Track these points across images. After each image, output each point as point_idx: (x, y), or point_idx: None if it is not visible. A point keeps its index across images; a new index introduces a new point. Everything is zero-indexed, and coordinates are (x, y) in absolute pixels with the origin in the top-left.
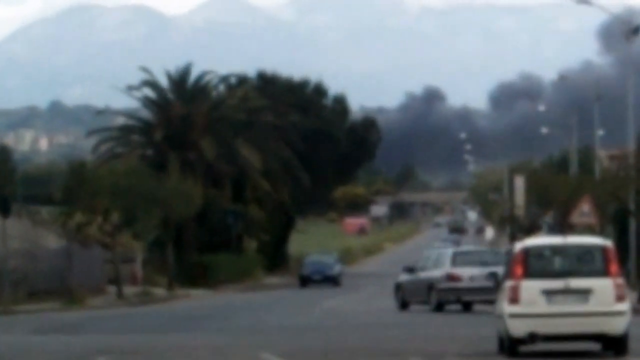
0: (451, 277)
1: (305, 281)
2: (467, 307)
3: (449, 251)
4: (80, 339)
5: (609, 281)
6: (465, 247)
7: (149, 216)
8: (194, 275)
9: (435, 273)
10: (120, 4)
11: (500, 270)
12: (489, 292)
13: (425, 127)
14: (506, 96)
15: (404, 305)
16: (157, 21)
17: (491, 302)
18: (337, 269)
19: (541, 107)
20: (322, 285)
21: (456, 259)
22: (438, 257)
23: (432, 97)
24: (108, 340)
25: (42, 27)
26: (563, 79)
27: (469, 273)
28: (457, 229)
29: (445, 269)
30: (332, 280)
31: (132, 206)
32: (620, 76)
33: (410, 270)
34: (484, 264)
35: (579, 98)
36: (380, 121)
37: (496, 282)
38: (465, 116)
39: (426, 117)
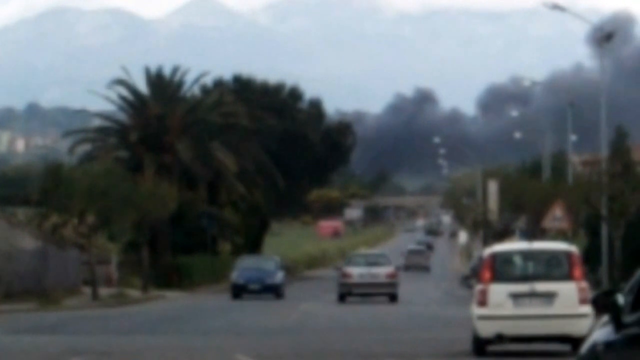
0: (344, 275)
1: (238, 291)
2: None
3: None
4: (55, 339)
5: (573, 285)
6: (360, 251)
7: (124, 218)
8: (169, 276)
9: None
10: (98, 7)
11: (387, 269)
12: (374, 287)
13: (404, 131)
14: (495, 100)
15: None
16: (135, 25)
17: (375, 294)
18: (279, 276)
19: (514, 112)
20: (261, 296)
21: (350, 260)
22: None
23: (417, 101)
24: (83, 341)
25: (20, 30)
26: (535, 85)
27: (358, 271)
28: (433, 232)
29: (342, 268)
30: (273, 290)
31: (108, 208)
32: (609, 81)
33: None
34: (371, 264)
35: (566, 101)
36: (359, 125)
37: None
38: (442, 122)
39: (407, 121)
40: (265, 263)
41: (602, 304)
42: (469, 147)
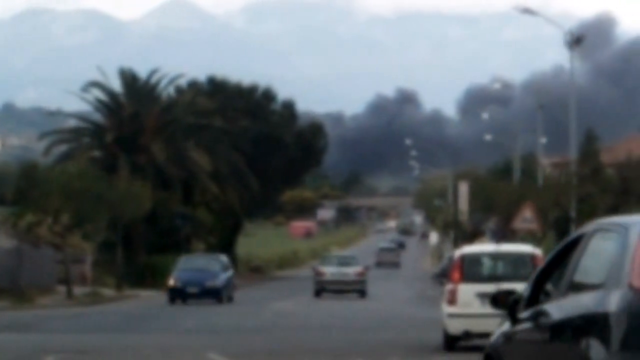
0: (319, 273)
1: (175, 295)
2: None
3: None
4: (29, 337)
5: None
6: (333, 253)
7: (99, 217)
8: (143, 276)
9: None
10: (73, 9)
11: (356, 269)
12: (345, 284)
13: (384, 132)
14: (474, 102)
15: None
16: (110, 26)
17: (346, 291)
18: (222, 278)
19: (485, 115)
20: (201, 301)
21: (324, 261)
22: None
23: (397, 102)
24: (57, 340)
25: None
26: (507, 87)
27: (331, 270)
28: (406, 231)
29: (317, 267)
30: (213, 294)
31: (82, 207)
32: (591, 84)
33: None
34: (342, 264)
35: (549, 103)
36: (339, 126)
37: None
38: (421, 123)
39: (387, 123)
40: (209, 263)
41: (501, 301)
42: (448, 148)
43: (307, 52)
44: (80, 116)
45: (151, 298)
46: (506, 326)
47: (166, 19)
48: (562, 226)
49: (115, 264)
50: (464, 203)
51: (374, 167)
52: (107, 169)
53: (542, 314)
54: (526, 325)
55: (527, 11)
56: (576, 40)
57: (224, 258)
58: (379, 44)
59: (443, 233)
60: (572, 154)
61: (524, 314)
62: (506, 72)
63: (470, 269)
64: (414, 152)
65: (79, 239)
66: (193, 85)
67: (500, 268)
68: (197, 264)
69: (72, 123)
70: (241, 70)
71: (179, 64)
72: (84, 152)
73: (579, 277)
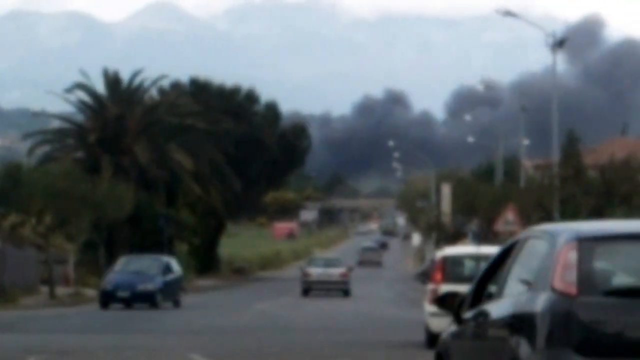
0: (306, 274)
1: (106, 299)
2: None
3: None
4: (12, 338)
5: None
6: (318, 255)
7: (82, 218)
8: None
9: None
10: (57, 11)
11: (340, 270)
12: (330, 284)
13: (372, 133)
14: (463, 103)
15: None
16: (94, 28)
17: (331, 290)
18: (157, 282)
19: (468, 117)
20: (136, 306)
21: (311, 262)
22: None
23: (386, 103)
24: (40, 340)
25: None
26: (490, 89)
27: (317, 271)
28: (389, 232)
29: (304, 269)
30: (146, 299)
31: (66, 208)
32: (579, 85)
33: None
34: (328, 266)
35: (537, 105)
36: (326, 127)
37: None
38: (410, 125)
39: (375, 124)
40: (147, 265)
41: (447, 302)
42: (435, 150)
43: (290, 54)
44: (64, 117)
45: None
46: (453, 326)
47: (150, 20)
48: None
49: (98, 264)
50: (446, 205)
51: (361, 168)
52: (90, 170)
53: (483, 314)
54: (469, 324)
55: (509, 14)
56: (559, 43)
57: (166, 259)
58: (362, 47)
59: (425, 234)
60: (555, 155)
61: (468, 314)
62: (489, 75)
63: (452, 270)
64: (397, 154)
65: (62, 240)
66: (176, 86)
67: (481, 269)
68: (133, 266)
69: (56, 124)
70: (224, 72)
71: (162, 66)
72: (67, 153)
73: (511, 277)
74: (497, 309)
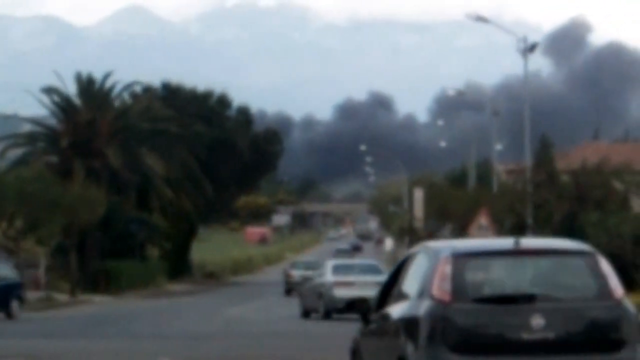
0: (288, 276)
1: None
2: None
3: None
4: None
5: None
6: (300, 259)
7: (53, 222)
8: (97, 281)
9: None
10: (30, 14)
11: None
12: None
13: (354, 137)
14: (447, 107)
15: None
16: (67, 31)
17: None
18: None
19: (440, 122)
20: None
21: (293, 265)
22: None
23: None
24: (9, 344)
25: None
26: (461, 94)
27: (298, 273)
28: (364, 236)
29: (287, 271)
30: None
31: (37, 212)
32: (564, 90)
33: None
34: (308, 268)
35: (520, 108)
36: (309, 130)
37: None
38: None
39: (358, 128)
40: None
41: (357, 307)
42: (418, 155)
43: (262, 59)
44: (35, 121)
45: (105, 303)
46: (362, 326)
47: (122, 25)
48: (517, 233)
49: (69, 269)
50: (419, 209)
51: (341, 172)
52: (62, 173)
53: (383, 316)
54: (374, 325)
55: (480, 19)
56: (530, 48)
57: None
58: (333, 51)
59: (398, 239)
60: (527, 160)
61: (373, 316)
62: (461, 79)
63: None
64: (369, 158)
65: (33, 244)
66: (148, 90)
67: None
68: None
69: (27, 128)
70: (197, 76)
71: (135, 70)
72: (39, 156)
73: (404, 287)
74: (392, 312)
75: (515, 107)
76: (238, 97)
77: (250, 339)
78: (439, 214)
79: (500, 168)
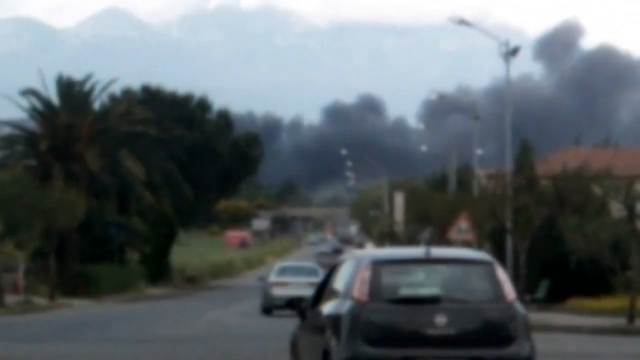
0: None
1: None
2: None
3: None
4: None
5: None
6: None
7: (32, 226)
8: (76, 285)
9: None
10: (8, 16)
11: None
12: None
13: (318, 142)
14: (437, 111)
15: None
16: (45, 34)
17: None
18: None
19: (421, 126)
20: None
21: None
22: None
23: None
24: None
25: None
26: (442, 98)
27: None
28: (346, 240)
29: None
30: None
31: (16, 215)
32: (556, 93)
33: None
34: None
35: (515, 111)
36: (297, 133)
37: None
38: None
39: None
40: None
41: (295, 305)
42: (412, 158)
43: (244, 62)
44: (14, 124)
45: (84, 307)
46: (299, 322)
47: (101, 27)
48: (497, 237)
49: (49, 272)
50: (399, 213)
51: (327, 176)
52: (41, 177)
53: (316, 313)
54: (308, 321)
55: (463, 22)
56: (512, 52)
57: None
58: (316, 55)
59: (379, 243)
60: (508, 165)
61: (308, 313)
62: (443, 83)
63: None
64: (349, 163)
65: (12, 247)
66: (127, 93)
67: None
68: None
69: (6, 131)
70: (177, 80)
71: (114, 73)
72: (17, 160)
73: (334, 289)
74: (323, 310)
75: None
76: (219, 101)
77: (229, 342)
78: (420, 218)
79: (481, 173)
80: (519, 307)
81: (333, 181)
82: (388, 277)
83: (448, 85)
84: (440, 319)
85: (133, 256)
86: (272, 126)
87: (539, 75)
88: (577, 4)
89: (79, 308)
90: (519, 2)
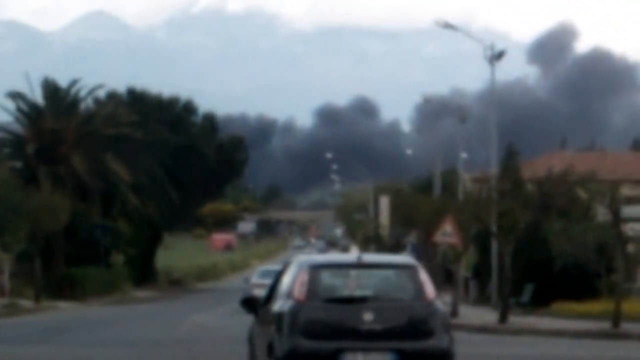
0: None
1: None
2: None
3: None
4: None
5: None
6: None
7: (18, 228)
8: (62, 287)
9: None
10: None
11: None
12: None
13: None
14: (430, 114)
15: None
16: (31, 37)
17: None
18: None
19: (406, 128)
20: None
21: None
22: None
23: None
24: None
25: None
26: (427, 101)
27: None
28: (333, 243)
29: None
30: None
31: (1, 218)
32: (548, 94)
33: None
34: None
35: (503, 116)
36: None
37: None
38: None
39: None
40: None
41: (249, 303)
42: (402, 161)
43: (229, 65)
44: (0, 127)
45: (70, 310)
46: (254, 318)
47: (87, 30)
48: (482, 240)
49: (34, 275)
50: (384, 217)
51: (320, 180)
52: (27, 179)
53: (266, 310)
54: (260, 317)
55: (448, 26)
56: (497, 55)
57: None
58: (301, 58)
59: (363, 247)
60: (493, 168)
61: (261, 311)
62: (430, 86)
63: None
64: (335, 166)
65: None
66: (112, 96)
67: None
68: None
69: None
70: (163, 83)
71: (100, 76)
72: (3, 162)
73: (280, 290)
74: (271, 308)
75: (499, 114)
76: (205, 104)
77: (214, 346)
78: (405, 222)
79: (466, 176)
80: (439, 305)
81: (324, 184)
82: (324, 280)
83: (432, 89)
84: (368, 316)
85: (118, 259)
86: (265, 128)
87: (534, 78)
88: (565, 7)
89: (65, 311)
90: (504, 7)
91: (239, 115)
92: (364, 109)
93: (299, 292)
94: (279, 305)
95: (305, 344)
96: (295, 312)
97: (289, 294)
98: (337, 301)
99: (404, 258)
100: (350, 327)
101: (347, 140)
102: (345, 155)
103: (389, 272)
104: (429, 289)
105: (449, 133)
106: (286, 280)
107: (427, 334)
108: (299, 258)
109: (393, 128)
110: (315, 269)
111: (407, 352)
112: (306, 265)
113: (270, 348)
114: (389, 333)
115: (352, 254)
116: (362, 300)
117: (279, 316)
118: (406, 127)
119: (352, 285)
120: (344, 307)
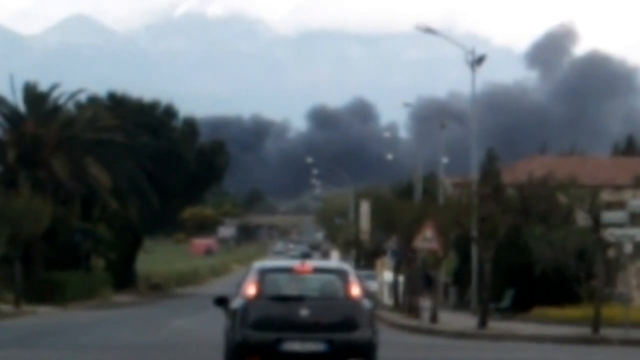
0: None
1: None
2: None
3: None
4: None
5: None
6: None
7: None
8: (42, 292)
9: None
10: None
11: None
12: None
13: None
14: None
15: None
16: (10, 40)
17: None
18: None
19: (397, 133)
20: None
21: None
22: None
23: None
24: None
25: None
26: (408, 105)
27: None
28: (315, 247)
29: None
30: None
31: None
32: (546, 98)
33: None
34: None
35: (500, 119)
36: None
37: None
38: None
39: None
40: None
41: (222, 301)
42: (396, 166)
43: (210, 70)
44: None
45: (50, 314)
46: (225, 314)
47: (68, 34)
48: (463, 245)
49: (14, 279)
50: (365, 222)
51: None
52: (6, 183)
53: (231, 307)
54: (228, 313)
55: (429, 31)
56: (478, 60)
57: None
58: (282, 63)
59: (344, 252)
60: (473, 173)
61: (230, 307)
62: (410, 91)
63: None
64: (315, 171)
65: None
66: (93, 100)
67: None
68: None
69: None
70: (143, 87)
71: (81, 80)
72: None
73: (239, 289)
74: (231, 305)
75: (495, 118)
76: (185, 108)
77: (193, 351)
78: (385, 227)
79: (447, 181)
80: (365, 303)
81: (310, 189)
82: (269, 281)
83: (414, 93)
84: (304, 312)
85: (98, 263)
86: (259, 131)
87: (532, 83)
88: (561, 10)
89: (44, 315)
90: (484, 12)
91: (234, 118)
92: (359, 112)
93: (249, 291)
94: (235, 303)
95: (253, 334)
96: (245, 308)
97: (242, 294)
98: (280, 299)
99: (338, 264)
100: (289, 320)
101: (338, 143)
102: (332, 159)
103: (325, 276)
104: (356, 289)
105: (447, 137)
106: (243, 281)
107: (354, 327)
108: (254, 263)
109: (380, 133)
110: (263, 272)
111: (335, 341)
112: (256, 269)
113: (228, 339)
114: (321, 326)
115: (297, 260)
116: (300, 298)
117: (234, 312)
118: (403, 132)
119: (293, 286)
120: (285, 304)
